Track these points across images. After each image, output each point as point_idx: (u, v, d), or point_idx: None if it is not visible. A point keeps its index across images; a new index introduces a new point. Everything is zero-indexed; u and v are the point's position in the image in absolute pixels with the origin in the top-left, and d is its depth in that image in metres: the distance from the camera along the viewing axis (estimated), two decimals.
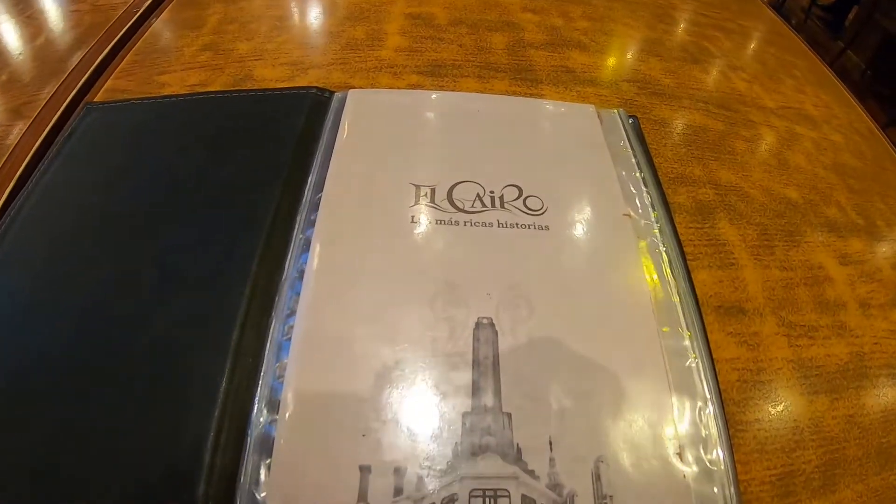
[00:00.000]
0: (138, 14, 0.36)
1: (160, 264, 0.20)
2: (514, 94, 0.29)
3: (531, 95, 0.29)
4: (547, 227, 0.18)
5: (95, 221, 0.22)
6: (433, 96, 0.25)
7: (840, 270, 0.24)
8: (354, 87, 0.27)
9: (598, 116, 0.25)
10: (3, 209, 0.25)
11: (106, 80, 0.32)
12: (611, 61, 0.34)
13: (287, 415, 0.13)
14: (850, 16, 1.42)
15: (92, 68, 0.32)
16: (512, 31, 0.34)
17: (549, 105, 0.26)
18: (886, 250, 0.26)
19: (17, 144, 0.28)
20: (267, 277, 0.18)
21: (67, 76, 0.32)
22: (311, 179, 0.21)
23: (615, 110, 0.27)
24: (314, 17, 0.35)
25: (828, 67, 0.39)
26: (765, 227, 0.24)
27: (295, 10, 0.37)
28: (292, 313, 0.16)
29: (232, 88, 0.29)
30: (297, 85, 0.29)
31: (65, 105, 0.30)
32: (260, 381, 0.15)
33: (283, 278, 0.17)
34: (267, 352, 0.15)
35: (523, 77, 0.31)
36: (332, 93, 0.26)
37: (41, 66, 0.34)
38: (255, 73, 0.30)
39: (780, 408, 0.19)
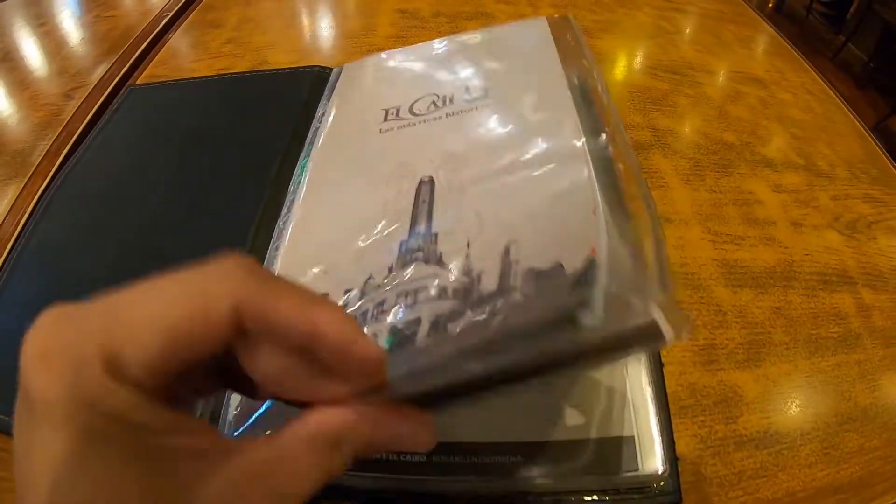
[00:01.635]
0: (168, 17, 0.45)
1: (191, 202, 0.27)
2: None
3: None
4: (489, 107, 0.22)
5: (139, 173, 0.30)
6: (408, 50, 0.30)
7: (772, 196, 0.29)
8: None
9: (549, 26, 0.27)
10: (61, 165, 0.32)
11: (144, 69, 0.40)
12: None
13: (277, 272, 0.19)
14: (851, 10, 1.49)
15: (131, 60, 0.41)
16: (485, 19, 0.42)
17: (505, 26, 0.29)
18: (825, 184, 0.31)
19: (70, 118, 0.36)
20: (276, 195, 0.25)
21: (111, 66, 0.40)
22: (310, 133, 0.28)
23: (569, 16, 0.27)
24: (318, 15, 0.43)
25: (786, 40, 0.45)
26: (697, 160, 0.29)
27: (302, 10, 0.45)
28: (289, 212, 0.22)
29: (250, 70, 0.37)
30: (302, 65, 0.36)
31: (110, 88, 0.38)
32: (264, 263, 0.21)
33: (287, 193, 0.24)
34: (271, 246, 0.22)
35: None
36: (330, 69, 0.34)
37: (88, 59, 0.42)
38: (269, 58, 0.38)
39: (702, 293, 0.24)
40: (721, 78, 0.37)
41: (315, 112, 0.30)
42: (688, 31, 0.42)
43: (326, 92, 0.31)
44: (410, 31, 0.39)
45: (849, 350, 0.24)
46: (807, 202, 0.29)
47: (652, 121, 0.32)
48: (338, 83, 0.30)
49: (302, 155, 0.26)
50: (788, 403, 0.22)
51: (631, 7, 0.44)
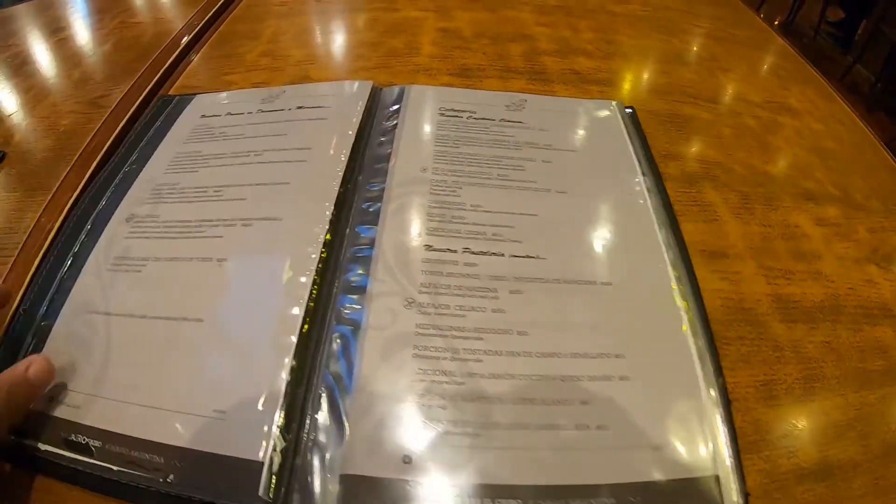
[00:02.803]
0: (199, 27, 0.46)
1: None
2: (531, 91, 0.38)
3: (545, 93, 0.38)
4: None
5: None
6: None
7: (816, 230, 0.31)
8: (396, 85, 0.36)
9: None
10: (90, 179, 0.32)
11: (176, 80, 0.41)
12: (611, 65, 0.43)
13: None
14: (860, 31, 1.57)
15: (162, 70, 0.41)
16: (527, 42, 0.43)
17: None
18: (863, 217, 0.33)
19: (99, 128, 0.36)
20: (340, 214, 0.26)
21: (140, 76, 0.41)
22: (372, 147, 0.30)
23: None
24: (357, 31, 0.44)
25: (813, 68, 0.48)
26: (745, 193, 0.31)
27: (340, 26, 0.46)
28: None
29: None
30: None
31: (141, 98, 0.38)
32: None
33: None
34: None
35: (538, 78, 0.39)
36: (380, 87, 0.35)
37: (115, 67, 0.42)
38: (311, 73, 0.39)
39: (760, 329, 0.25)
40: (758, 108, 0.39)
41: (371, 126, 0.32)
42: (720, 57, 0.45)
43: (381, 109, 0.33)
44: (454, 51, 0.41)
45: (892, 382, 0.25)
46: (847, 235, 0.31)
47: (700, 152, 0.34)
48: (405, 107, 0.32)
49: (361, 179, 0.28)
50: (841, 436, 0.23)
51: (665, 33, 0.47)
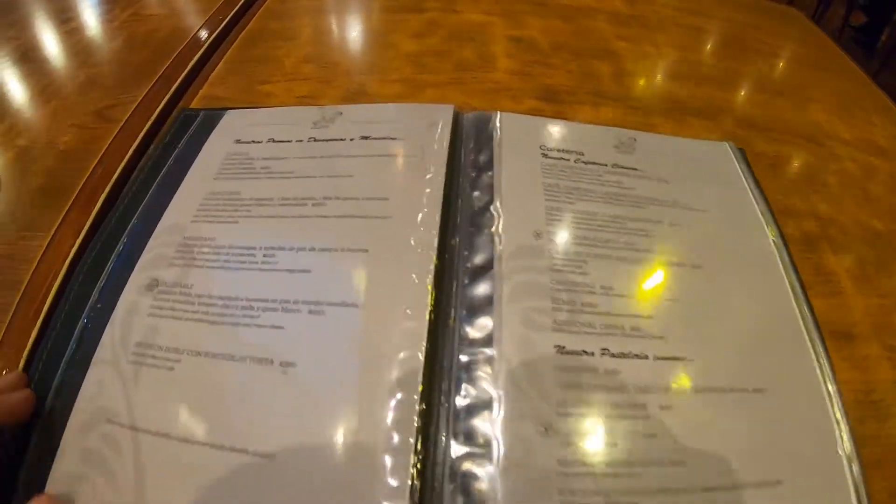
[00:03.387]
0: (225, 22, 0.39)
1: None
2: (629, 124, 0.32)
3: (644, 126, 0.32)
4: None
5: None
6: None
7: None
8: (475, 108, 0.30)
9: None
10: (103, 211, 0.26)
11: (199, 88, 0.34)
12: (706, 93, 0.37)
13: None
14: (883, 38, 1.55)
15: (182, 75, 0.34)
16: (612, 59, 0.38)
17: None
18: None
19: (107, 149, 0.29)
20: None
21: (156, 82, 0.34)
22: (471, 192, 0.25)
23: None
24: (414, 34, 0.38)
25: (890, 99, 0.43)
26: (861, 256, 0.27)
27: (392, 27, 0.40)
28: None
29: (347, 103, 0.31)
30: (415, 101, 0.31)
31: (157, 111, 0.32)
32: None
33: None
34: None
35: (635, 106, 0.34)
36: (460, 112, 0.29)
37: (126, 70, 0.35)
38: (368, 88, 0.32)
39: (892, 424, 0.21)
40: (852, 148, 0.35)
41: (460, 166, 0.26)
42: (804, 84, 0.40)
43: (470, 145, 0.27)
44: (534, 67, 0.35)
45: None
46: None
47: (813, 205, 0.30)
48: (501, 142, 0.27)
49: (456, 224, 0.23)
50: None
51: (743, 51, 0.42)
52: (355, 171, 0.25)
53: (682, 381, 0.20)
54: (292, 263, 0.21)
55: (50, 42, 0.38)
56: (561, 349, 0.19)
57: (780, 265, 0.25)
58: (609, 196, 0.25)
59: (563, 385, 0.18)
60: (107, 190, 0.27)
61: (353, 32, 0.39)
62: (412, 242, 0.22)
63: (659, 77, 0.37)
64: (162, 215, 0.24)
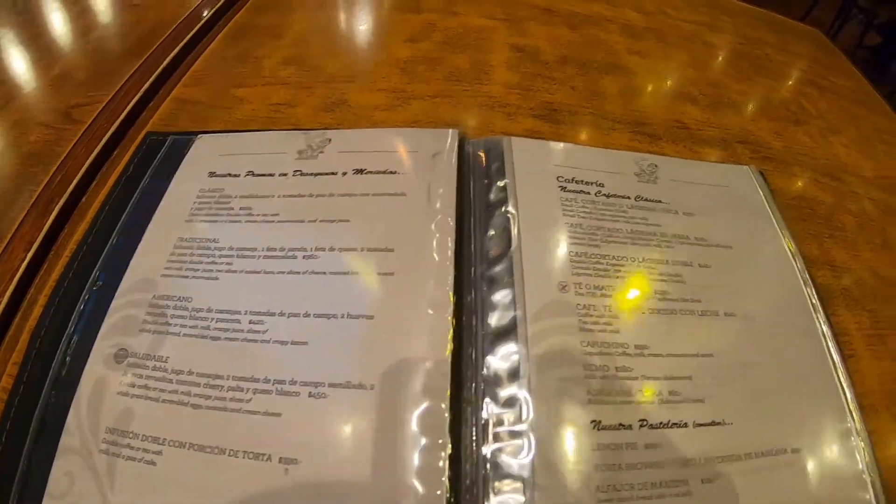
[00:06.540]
0: (210, 13, 0.37)
1: None
2: (636, 147, 0.30)
3: (653, 151, 0.30)
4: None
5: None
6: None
7: None
8: (459, 125, 0.27)
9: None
10: (56, 224, 0.24)
11: (172, 88, 0.32)
12: (722, 119, 0.34)
13: None
14: None
15: (158, 70, 0.33)
16: (622, 75, 0.35)
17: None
18: None
19: (68, 153, 0.28)
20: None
21: (130, 76, 0.32)
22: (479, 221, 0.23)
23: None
24: (408, 38, 0.36)
25: None
26: (875, 313, 0.25)
27: (386, 28, 0.37)
28: None
29: (326, 115, 0.29)
30: (400, 115, 0.29)
31: (127, 109, 0.30)
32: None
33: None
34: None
35: (643, 131, 0.31)
36: (465, 137, 0.26)
37: (102, 61, 0.34)
38: (349, 98, 0.30)
39: None
40: (872, 186, 0.32)
41: (472, 204, 0.24)
42: (826, 115, 0.37)
43: (479, 177, 0.25)
44: (535, 80, 0.32)
45: None
46: None
47: (827, 252, 0.27)
48: (514, 173, 0.24)
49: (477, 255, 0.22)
50: None
51: (766, 76, 0.39)
52: (352, 214, 0.22)
53: (722, 447, 0.18)
54: (284, 333, 0.19)
55: (27, 28, 0.37)
56: (597, 425, 0.17)
57: (813, 313, 0.23)
58: (636, 235, 0.23)
59: (602, 467, 0.17)
60: (62, 202, 0.25)
61: (343, 33, 0.37)
62: (424, 304, 0.19)
63: (670, 98, 0.35)
64: (127, 267, 0.21)
